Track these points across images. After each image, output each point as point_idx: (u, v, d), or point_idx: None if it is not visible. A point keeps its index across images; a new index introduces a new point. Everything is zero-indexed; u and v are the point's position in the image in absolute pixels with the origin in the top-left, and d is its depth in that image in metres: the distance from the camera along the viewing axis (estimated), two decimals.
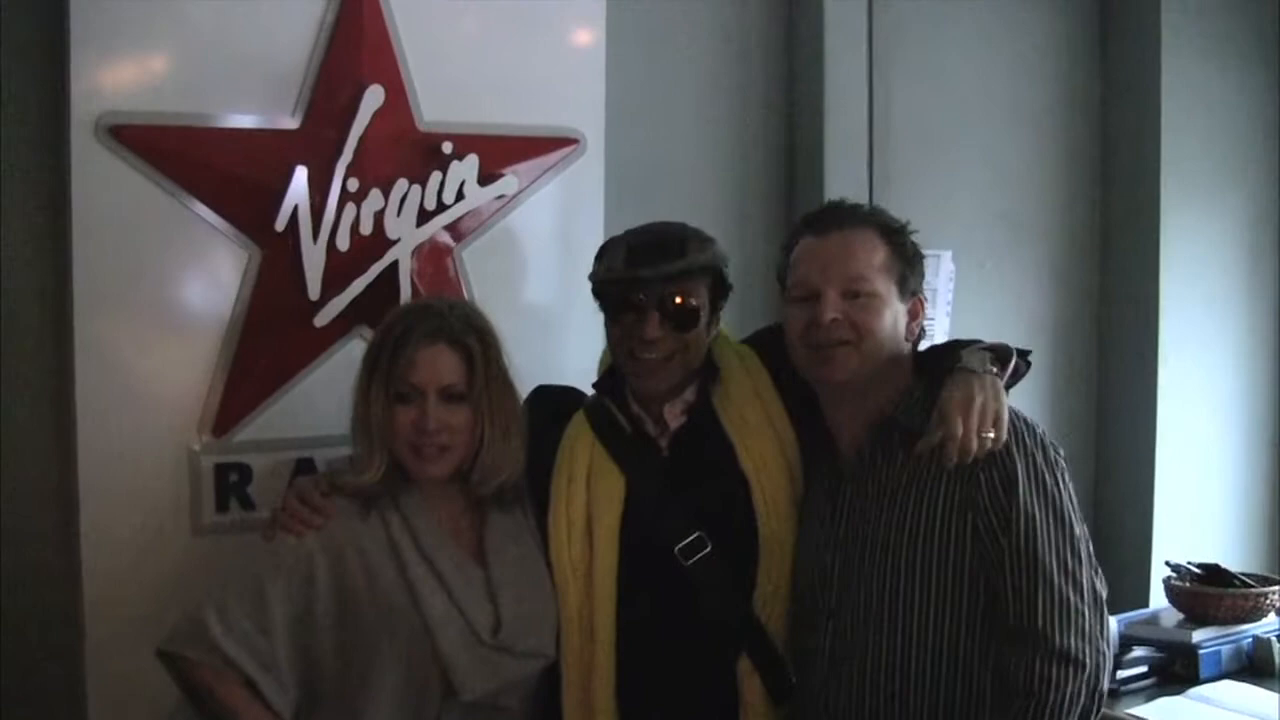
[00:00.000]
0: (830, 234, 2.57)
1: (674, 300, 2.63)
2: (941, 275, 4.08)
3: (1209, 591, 3.88)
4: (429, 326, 2.56)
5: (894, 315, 2.55)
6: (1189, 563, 4.03)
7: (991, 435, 2.40)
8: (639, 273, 2.62)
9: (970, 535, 2.42)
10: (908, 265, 2.57)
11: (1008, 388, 2.57)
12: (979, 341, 2.67)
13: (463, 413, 2.55)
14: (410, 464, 2.55)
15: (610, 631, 2.63)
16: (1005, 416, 2.43)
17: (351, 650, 2.47)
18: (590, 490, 2.69)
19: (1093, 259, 4.49)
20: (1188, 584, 3.95)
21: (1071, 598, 2.37)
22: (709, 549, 2.62)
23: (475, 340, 2.57)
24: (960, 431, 2.39)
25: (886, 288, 2.53)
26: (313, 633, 2.46)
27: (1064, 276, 4.45)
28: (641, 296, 2.63)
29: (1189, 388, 4.39)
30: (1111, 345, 4.49)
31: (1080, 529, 2.44)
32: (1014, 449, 2.42)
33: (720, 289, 2.73)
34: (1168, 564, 4.06)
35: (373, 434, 2.54)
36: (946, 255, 4.09)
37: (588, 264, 2.78)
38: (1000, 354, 2.60)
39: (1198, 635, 3.74)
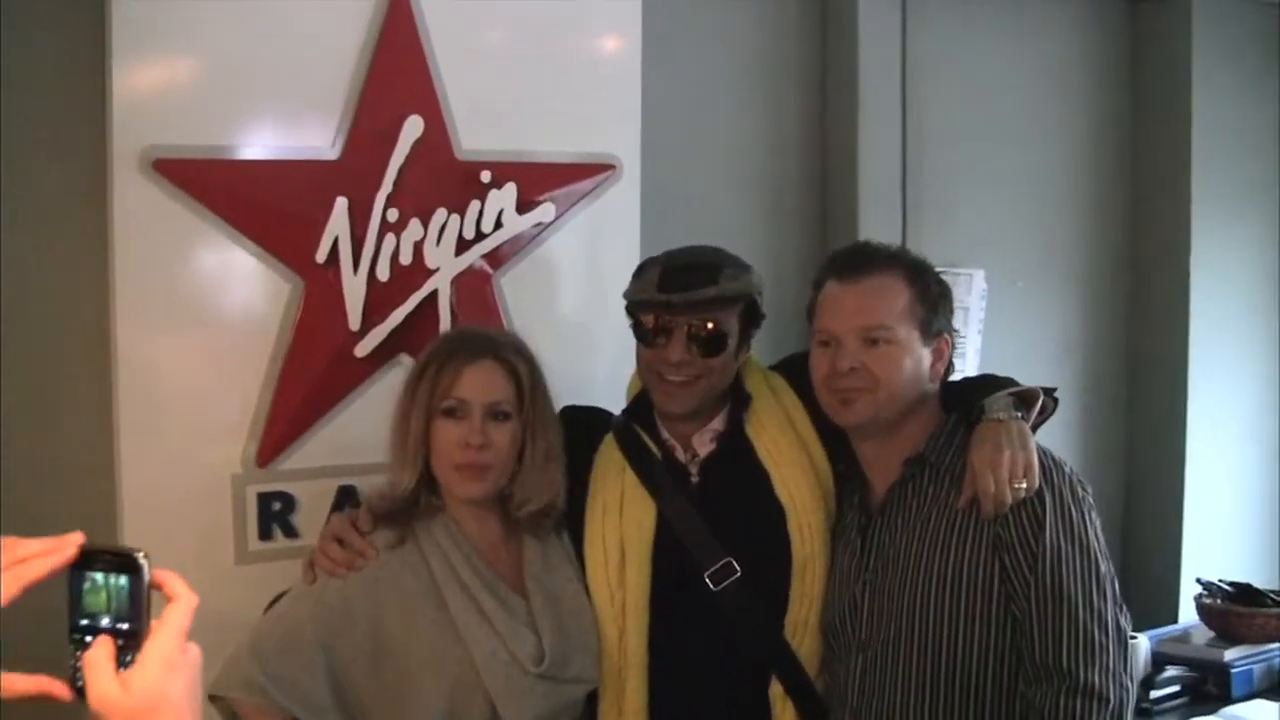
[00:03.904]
0: (852, 280, 2.59)
1: (704, 327, 2.64)
2: (974, 294, 4.10)
3: (1240, 610, 3.89)
4: (478, 345, 2.57)
5: (915, 360, 2.56)
6: (1220, 580, 4.03)
7: (1024, 485, 2.42)
8: (670, 297, 2.64)
9: (998, 573, 2.44)
10: (932, 308, 2.58)
11: (1035, 426, 2.59)
12: (1008, 380, 2.69)
13: (507, 431, 2.54)
14: (451, 482, 2.54)
15: (643, 656, 2.65)
16: (1035, 463, 2.45)
17: (394, 688, 2.47)
18: (623, 518, 2.70)
19: (1124, 279, 4.51)
20: (1219, 602, 3.96)
21: (1096, 634, 2.39)
22: (738, 574, 2.63)
23: (523, 362, 2.58)
24: (993, 488, 2.42)
25: (908, 333, 2.55)
26: (354, 674, 2.46)
27: (1095, 296, 4.46)
28: (671, 320, 2.65)
29: (1219, 405, 4.40)
30: (1142, 363, 4.50)
31: (1106, 565, 2.46)
32: (1043, 487, 2.44)
33: (752, 317, 2.74)
34: (1198, 581, 4.07)
35: (409, 447, 2.54)
36: (979, 274, 4.11)
37: (623, 288, 2.79)
38: (1026, 397, 2.61)
39: (1230, 654, 3.76)
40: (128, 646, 1.27)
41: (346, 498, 3.06)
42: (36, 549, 1.26)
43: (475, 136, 3.16)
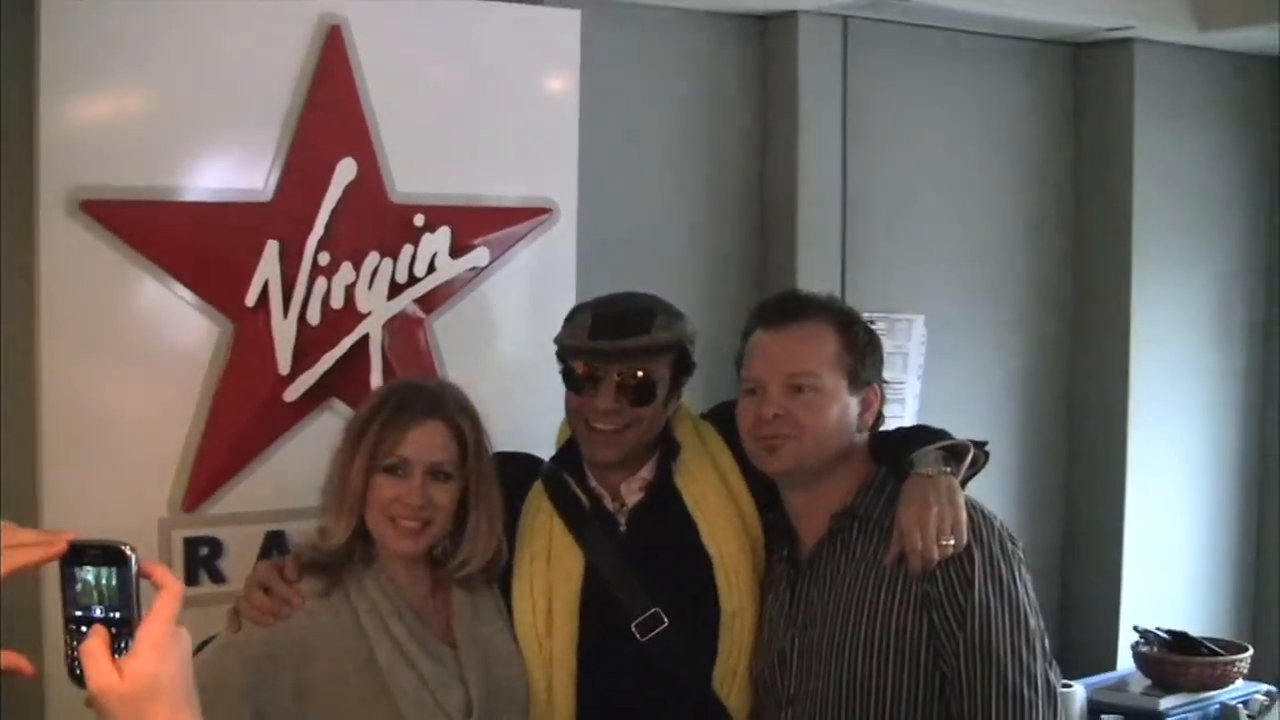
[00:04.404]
0: (780, 328, 2.58)
1: (634, 375, 2.62)
2: (913, 340, 4.10)
3: (1176, 659, 3.90)
4: (425, 402, 2.53)
5: (842, 408, 2.54)
6: (1157, 628, 4.04)
7: (951, 542, 2.40)
8: (600, 344, 2.62)
9: (926, 630, 2.42)
10: (859, 357, 2.57)
11: (965, 480, 2.57)
12: (941, 433, 2.68)
13: (448, 491, 2.51)
14: (387, 537, 2.51)
15: (570, 707, 2.62)
16: (963, 519, 2.43)
17: None
18: (550, 567, 2.67)
19: (1064, 324, 4.53)
20: (1155, 650, 3.97)
21: (1025, 692, 2.37)
22: (666, 625, 2.61)
23: (468, 422, 2.55)
24: (920, 545, 2.40)
25: (835, 381, 2.53)
26: None
27: (1035, 342, 4.49)
28: (601, 368, 2.63)
29: (1159, 452, 4.42)
30: (1082, 409, 4.52)
31: (1036, 621, 2.44)
32: (971, 544, 2.42)
33: (684, 365, 2.72)
34: (1135, 629, 4.08)
35: (345, 501, 2.51)
36: (919, 320, 4.11)
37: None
38: (956, 450, 2.60)
39: (1165, 703, 3.78)
40: (121, 635, 1.32)
41: (275, 543, 3.03)
42: (29, 538, 1.32)
43: (409, 179, 3.15)
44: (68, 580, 1.34)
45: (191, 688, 1.37)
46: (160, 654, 1.32)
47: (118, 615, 1.33)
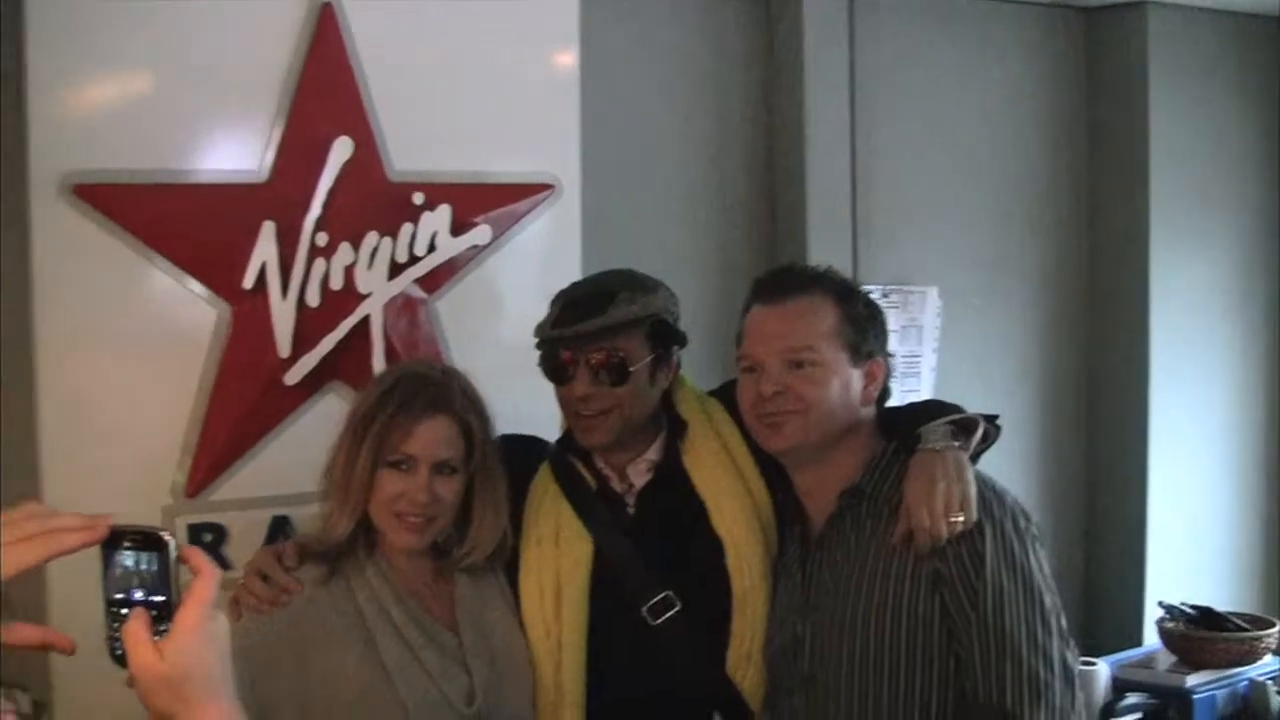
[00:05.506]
0: (776, 303, 2.53)
1: (601, 357, 2.58)
2: (928, 311, 4.05)
3: (1203, 635, 3.84)
4: (430, 396, 2.50)
5: (844, 382, 2.49)
6: (1182, 604, 3.98)
7: (959, 518, 2.35)
8: (562, 332, 2.60)
9: (939, 609, 2.37)
10: (860, 330, 2.52)
11: (977, 454, 2.53)
12: (952, 406, 2.62)
13: (453, 486, 2.50)
14: (389, 531, 2.49)
15: (579, 694, 2.59)
16: (972, 495, 2.37)
17: None
18: (559, 551, 2.64)
19: (1082, 298, 4.49)
20: (1181, 626, 3.91)
21: (1041, 671, 2.32)
22: (678, 608, 2.58)
23: (475, 417, 2.53)
24: (927, 522, 2.34)
25: (834, 355, 2.48)
26: (279, 712, 2.39)
27: (1053, 314, 4.44)
28: (566, 355, 2.61)
29: (1180, 424, 4.38)
30: (1101, 382, 4.48)
31: (1051, 599, 2.38)
32: (983, 520, 2.37)
33: (662, 338, 2.66)
34: (1160, 605, 4.02)
35: (350, 493, 2.48)
36: (933, 291, 4.06)
37: None
38: (965, 424, 2.55)
39: (1192, 680, 3.73)
40: (160, 618, 1.38)
41: (280, 528, 3.00)
42: (70, 523, 1.37)
43: (407, 157, 3.10)
44: (108, 564, 1.39)
45: (229, 669, 1.43)
46: (198, 636, 1.38)
47: (157, 599, 1.38)
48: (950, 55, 4.20)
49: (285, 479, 2.96)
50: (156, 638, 1.37)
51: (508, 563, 2.65)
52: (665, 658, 2.58)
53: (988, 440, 2.59)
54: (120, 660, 1.38)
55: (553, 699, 2.59)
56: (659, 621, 2.57)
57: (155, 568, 1.39)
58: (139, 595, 1.39)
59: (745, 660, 2.60)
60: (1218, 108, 4.44)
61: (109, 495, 2.83)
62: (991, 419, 2.61)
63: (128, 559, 1.39)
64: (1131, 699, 3.67)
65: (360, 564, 2.51)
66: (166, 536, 1.40)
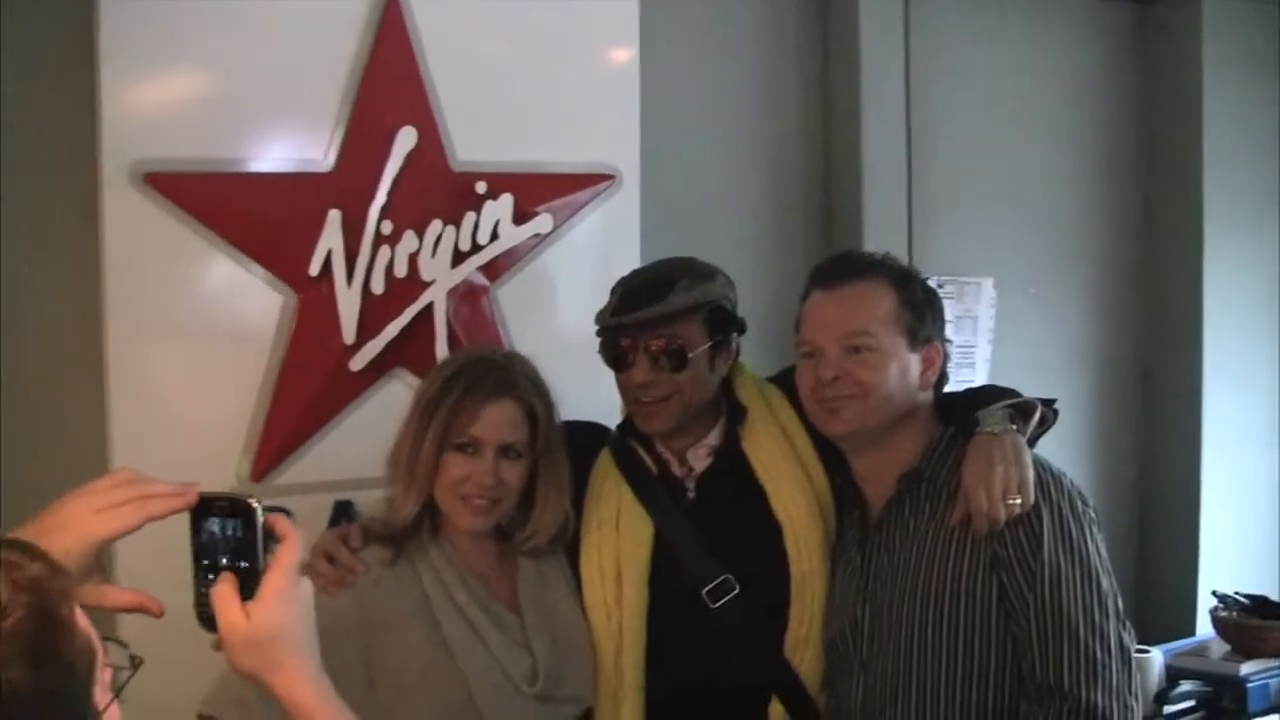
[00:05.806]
0: (834, 288, 2.55)
1: (661, 344, 2.61)
2: (983, 302, 4.06)
3: (1257, 623, 3.83)
4: (495, 380, 2.52)
5: (902, 367, 2.50)
6: (1236, 593, 3.97)
7: (1017, 501, 2.36)
8: (621, 319, 2.63)
9: (997, 591, 2.38)
10: (918, 314, 2.53)
11: (1035, 439, 2.53)
12: (1009, 391, 2.63)
13: (518, 470, 2.52)
14: (454, 513, 2.52)
15: (639, 676, 2.61)
16: (1029, 478, 2.38)
17: (386, 707, 2.44)
18: (620, 535, 2.67)
19: (1136, 286, 4.47)
20: (1234, 615, 3.90)
21: (1098, 653, 2.32)
22: (737, 591, 2.59)
23: (540, 401, 2.56)
24: (985, 505, 2.36)
25: (892, 340, 2.49)
26: (345, 692, 2.42)
27: (1107, 304, 4.42)
28: (630, 342, 2.63)
29: (1234, 414, 4.36)
30: (1155, 372, 4.46)
31: (1108, 581, 2.39)
32: (1040, 503, 2.38)
33: (721, 325, 2.68)
34: (1214, 594, 4.01)
35: (415, 477, 2.51)
36: (988, 282, 4.06)
37: None
38: (1023, 408, 2.56)
39: (1245, 668, 3.70)
40: (247, 582, 1.44)
41: (343, 512, 3.03)
42: (161, 490, 1.45)
43: (470, 147, 3.14)
44: (196, 531, 1.46)
45: (313, 632, 1.49)
46: (284, 600, 1.44)
47: (243, 564, 1.44)
48: (1005, 44, 4.20)
49: (349, 464, 3.00)
50: (244, 602, 1.43)
51: (569, 546, 2.68)
52: (724, 641, 2.60)
53: (1045, 424, 2.60)
54: (207, 622, 1.44)
55: (613, 682, 2.61)
56: (718, 605, 2.59)
57: (241, 534, 1.45)
58: (225, 561, 1.44)
59: (803, 644, 2.62)
60: (1273, 95, 4.42)
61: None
62: (1049, 403, 2.62)
63: (215, 525, 1.45)
64: (1185, 687, 3.66)
65: (425, 546, 2.53)
66: (253, 503, 1.45)
